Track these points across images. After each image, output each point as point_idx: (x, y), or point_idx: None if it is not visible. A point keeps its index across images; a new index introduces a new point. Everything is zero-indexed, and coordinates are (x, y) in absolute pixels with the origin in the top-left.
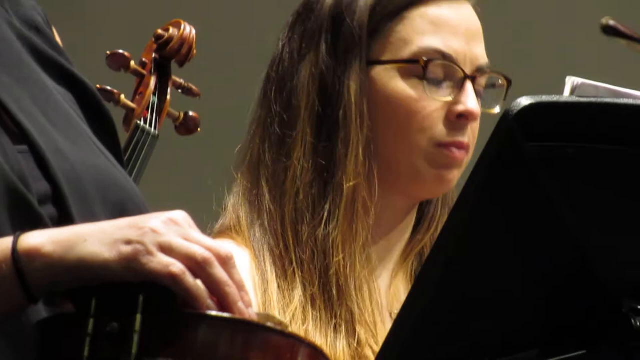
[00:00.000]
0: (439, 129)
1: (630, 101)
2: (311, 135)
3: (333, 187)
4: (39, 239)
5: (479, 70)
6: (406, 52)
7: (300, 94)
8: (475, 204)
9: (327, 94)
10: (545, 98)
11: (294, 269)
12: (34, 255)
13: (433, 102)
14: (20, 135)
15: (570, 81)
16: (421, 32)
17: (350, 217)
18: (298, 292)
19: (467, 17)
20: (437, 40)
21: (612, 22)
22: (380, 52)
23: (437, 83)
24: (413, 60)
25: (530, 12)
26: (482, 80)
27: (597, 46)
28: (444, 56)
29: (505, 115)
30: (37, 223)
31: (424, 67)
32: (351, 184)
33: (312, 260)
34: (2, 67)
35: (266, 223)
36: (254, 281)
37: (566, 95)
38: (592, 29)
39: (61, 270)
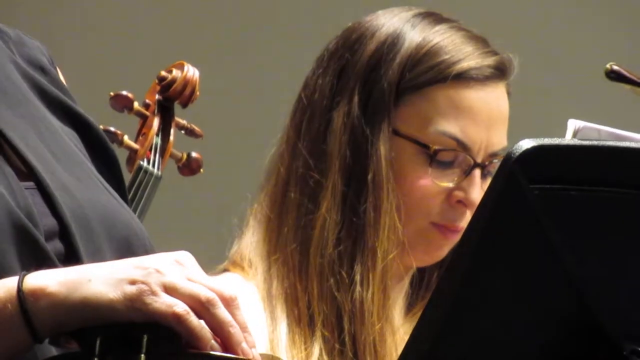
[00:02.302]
0: (437, 211)
1: (633, 144)
2: (342, 189)
3: (365, 250)
4: (44, 279)
5: (492, 156)
6: (423, 132)
7: (332, 143)
8: (476, 248)
9: (357, 150)
10: (547, 141)
11: (312, 320)
12: (39, 295)
13: (439, 184)
14: (26, 171)
15: (572, 124)
16: (442, 114)
17: (384, 284)
18: (318, 345)
19: (493, 102)
20: (455, 127)
21: (615, 67)
22: (401, 120)
23: (445, 165)
24: (425, 145)
25: (532, 56)
26: (495, 164)
27: (600, 90)
28: (459, 143)
29: (507, 158)
30: (44, 258)
31: (432, 155)
32: (387, 255)
33: (338, 319)
34: (8, 105)
35: (286, 263)
36: (260, 317)
37: (568, 138)
38: (595, 72)
39: (66, 310)
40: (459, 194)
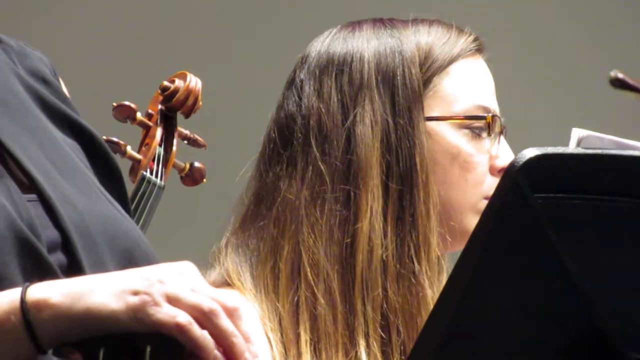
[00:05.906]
0: (488, 183)
1: (637, 153)
2: (382, 192)
3: (420, 250)
4: (47, 290)
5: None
6: (458, 108)
7: (362, 150)
8: (480, 257)
9: (394, 151)
10: (550, 149)
11: (353, 332)
12: (42, 306)
13: (485, 157)
14: (28, 184)
15: (576, 133)
16: (467, 87)
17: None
18: (364, 352)
19: (488, 70)
20: (483, 97)
21: (620, 75)
22: (430, 107)
23: (480, 137)
24: (479, 117)
25: (535, 64)
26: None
27: (604, 98)
28: (489, 111)
29: (511, 167)
30: (47, 270)
31: (489, 123)
32: (438, 246)
33: (387, 323)
34: (10, 117)
35: (317, 279)
36: (266, 333)
37: (572, 146)
38: (599, 80)
39: (69, 321)
40: (500, 161)
